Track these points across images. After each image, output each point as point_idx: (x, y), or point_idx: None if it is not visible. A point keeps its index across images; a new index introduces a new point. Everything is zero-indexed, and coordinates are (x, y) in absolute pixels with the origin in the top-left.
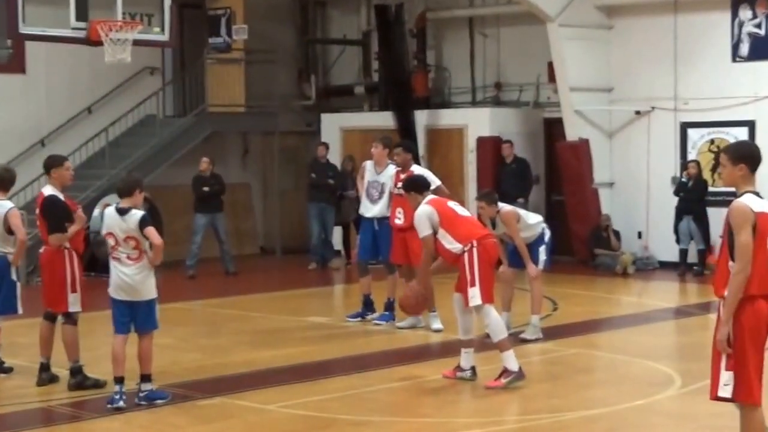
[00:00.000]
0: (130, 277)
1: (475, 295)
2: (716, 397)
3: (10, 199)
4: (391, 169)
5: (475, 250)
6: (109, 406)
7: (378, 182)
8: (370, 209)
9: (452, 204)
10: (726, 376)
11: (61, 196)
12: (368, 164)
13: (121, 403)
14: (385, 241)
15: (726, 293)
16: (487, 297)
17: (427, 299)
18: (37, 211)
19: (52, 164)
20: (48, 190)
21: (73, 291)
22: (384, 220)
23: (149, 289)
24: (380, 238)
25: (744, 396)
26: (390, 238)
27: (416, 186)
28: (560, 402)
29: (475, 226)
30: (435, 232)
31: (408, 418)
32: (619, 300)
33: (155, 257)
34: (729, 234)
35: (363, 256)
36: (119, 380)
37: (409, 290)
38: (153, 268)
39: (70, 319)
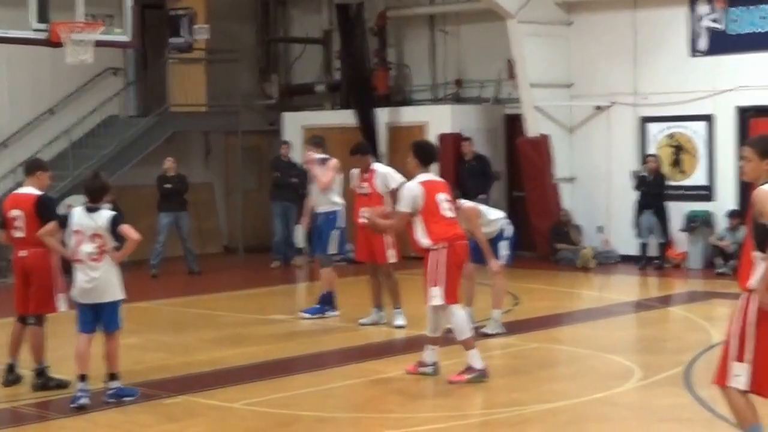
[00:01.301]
0: (94, 278)
1: (436, 295)
2: (723, 385)
3: None
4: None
5: (444, 251)
6: (72, 405)
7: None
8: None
9: (441, 198)
10: (740, 367)
11: None
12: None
13: (84, 400)
14: (323, 237)
15: (753, 283)
16: (452, 298)
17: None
18: (17, 213)
19: (39, 166)
20: (34, 191)
21: (61, 291)
22: (327, 216)
23: (113, 290)
24: (321, 232)
25: (764, 390)
26: (327, 231)
27: (422, 155)
28: (522, 395)
29: (449, 227)
30: (413, 214)
31: (372, 414)
32: (580, 294)
33: (125, 252)
34: (754, 223)
35: (316, 251)
36: (82, 378)
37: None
38: (117, 265)
39: (39, 320)
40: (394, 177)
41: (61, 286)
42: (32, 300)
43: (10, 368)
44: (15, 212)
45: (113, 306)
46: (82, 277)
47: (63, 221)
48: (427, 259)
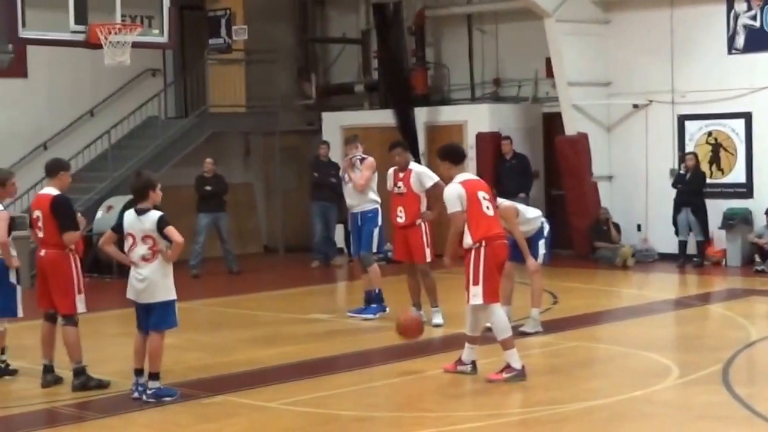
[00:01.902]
0: (145, 278)
1: (477, 293)
2: None
3: (13, 202)
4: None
5: (483, 250)
6: (135, 394)
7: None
8: (349, 202)
9: (482, 196)
10: None
11: None
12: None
13: (137, 394)
14: (365, 236)
15: None
16: (492, 297)
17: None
18: (38, 213)
19: (60, 167)
20: (52, 191)
21: (80, 292)
22: (365, 216)
23: (164, 290)
24: (361, 231)
25: None
26: (368, 230)
27: (453, 155)
28: (560, 394)
29: (490, 226)
30: (464, 211)
31: (410, 413)
32: (618, 292)
33: (173, 254)
34: None
35: (353, 252)
36: (137, 372)
37: (410, 319)
38: (170, 265)
39: (71, 320)
40: (429, 175)
41: (80, 287)
42: (45, 298)
43: (48, 369)
44: (37, 212)
45: (164, 306)
46: (134, 277)
47: (118, 227)
48: (467, 257)
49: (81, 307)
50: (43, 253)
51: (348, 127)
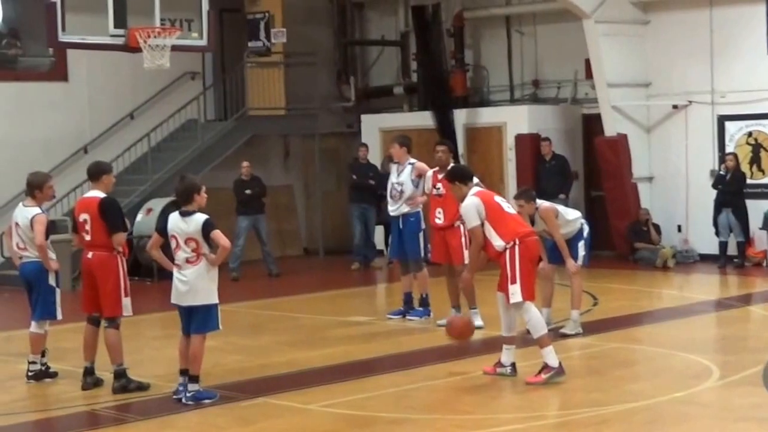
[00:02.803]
0: (188, 279)
1: (515, 291)
2: None
3: (54, 205)
4: (408, 169)
5: (517, 248)
6: (174, 396)
7: (399, 183)
8: (392, 208)
9: (499, 199)
10: None
11: None
12: (392, 167)
13: (181, 395)
14: (410, 239)
15: None
16: (528, 294)
17: (471, 325)
18: (85, 216)
19: (103, 170)
20: (99, 194)
21: (126, 295)
22: (408, 217)
23: (207, 294)
24: (405, 237)
25: None
26: (414, 235)
27: (461, 175)
28: (600, 396)
29: (518, 224)
30: (483, 224)
31: (448, 415)
32: (659, 293)
33: (218, 258)
34: None
35: (392, 255)
36: (182, 372)
37: (459, 319)
38: (215, 270)
39: (114, 322)
40: None
41: (126, 290)
42: (101, 302)
43: (88, 371)
44: (84, 216)
45: (206, 309)
46: (177, 280)
47: (163, 229)
48: (502, 260)
49: (128, 310)
50: (90, 255)
51: (387, 130)
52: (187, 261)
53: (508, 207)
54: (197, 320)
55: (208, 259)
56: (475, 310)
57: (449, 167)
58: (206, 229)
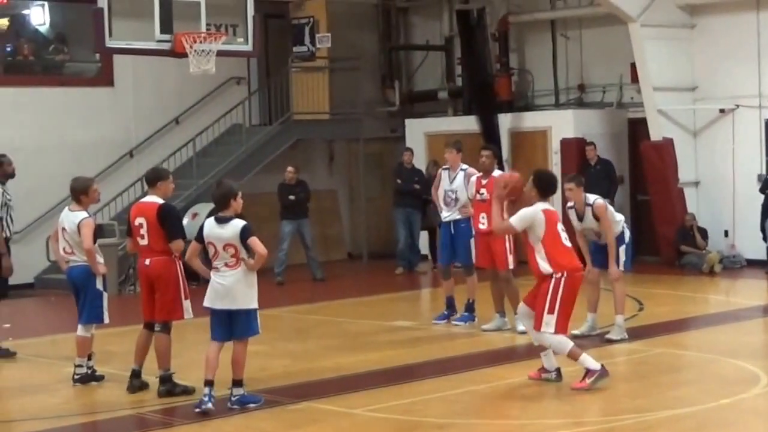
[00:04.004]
0: (227, 284)
1: (549, 323)
2: None
3: (101, 209)
4: (461, 176)
5: (563, 281)
6: (197, 410)
7: (452, 190)
8: (445, 214)
9: (560, 227)
10: None
11: None
12: (443, 173)
13: (210, 405)
14: (461, 244)
15: None
16: (561, 329)
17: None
18: (141, 220)
19: (159, 176)
20: (157, 200)
21: (186, 297)
22: (459, 223)
23: (248, 298)
24: (456, 242)
25: None
26: (466, 240)
27: (546, 185)
28: (646, 402)
29: (571, 257)
30: (515, 232)
31: (493, 420)
32: (705, 299)
33: (255, 264)
34: None
35: (442, 260)
36: (208, 383)
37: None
38: (254, 275)
39: (166, 327)
40: None
41: (186, 293)
42: (158, 307)
43: (135, 374)
44: (140, 220)
45: (246, 314)
46: (215, 283)
47: (200, 237)
48: (546, 284)
49: (189, 313)
50: (147, 262)
51: (432, 134)
52: (226, 265)
53: (566, 238)
54: (239, 325)
55: (246, 264)
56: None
57: (540, 170)
58: (244, 235)
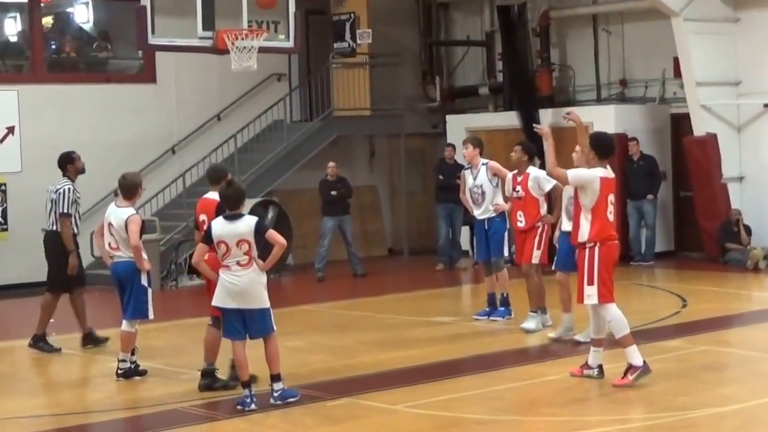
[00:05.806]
0: (240, 283)
1: (591, 294)
2: None
3: (143, 205)
4: (483, 170)
5: (597, 250)
6: (239, 407)
7: (477, 186)
8: (477, 212)
9: (611, 199)
10: None
11: None
12: (465, 173)
13: (253, 406)
14: (495, 241)
15: None
16: (607, 297)
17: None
18: (204, 216)
19: (221, 176)
20: (216, 197)
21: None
22: (493, 221)
23: (260, 297)
24: (490, 239)
25: None
26: (499, 236)
27: (603, 147)
28: (689, 400)
29: (610, 226)
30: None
31: (534, 417)
32: (749, 296)
33: (272, 258)
34: None
35: (478, 257)
36: (246, 384)
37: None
38: (264, 274)
39: (217, 321)
40: (548, 179)
41: None
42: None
43: (205, 373)
44: (202, 216)
45: (261, 313)
46: (228, 281)
47: (208, 238)
48: (582, 255)
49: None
50: (207, 256)
51: (473, 130)
52: (239, 264)
53: (611, 213)
54: (255, 325)
55: (257, 264)
56: (533, 313)
57: (597, 132)
58: (260, 229)
